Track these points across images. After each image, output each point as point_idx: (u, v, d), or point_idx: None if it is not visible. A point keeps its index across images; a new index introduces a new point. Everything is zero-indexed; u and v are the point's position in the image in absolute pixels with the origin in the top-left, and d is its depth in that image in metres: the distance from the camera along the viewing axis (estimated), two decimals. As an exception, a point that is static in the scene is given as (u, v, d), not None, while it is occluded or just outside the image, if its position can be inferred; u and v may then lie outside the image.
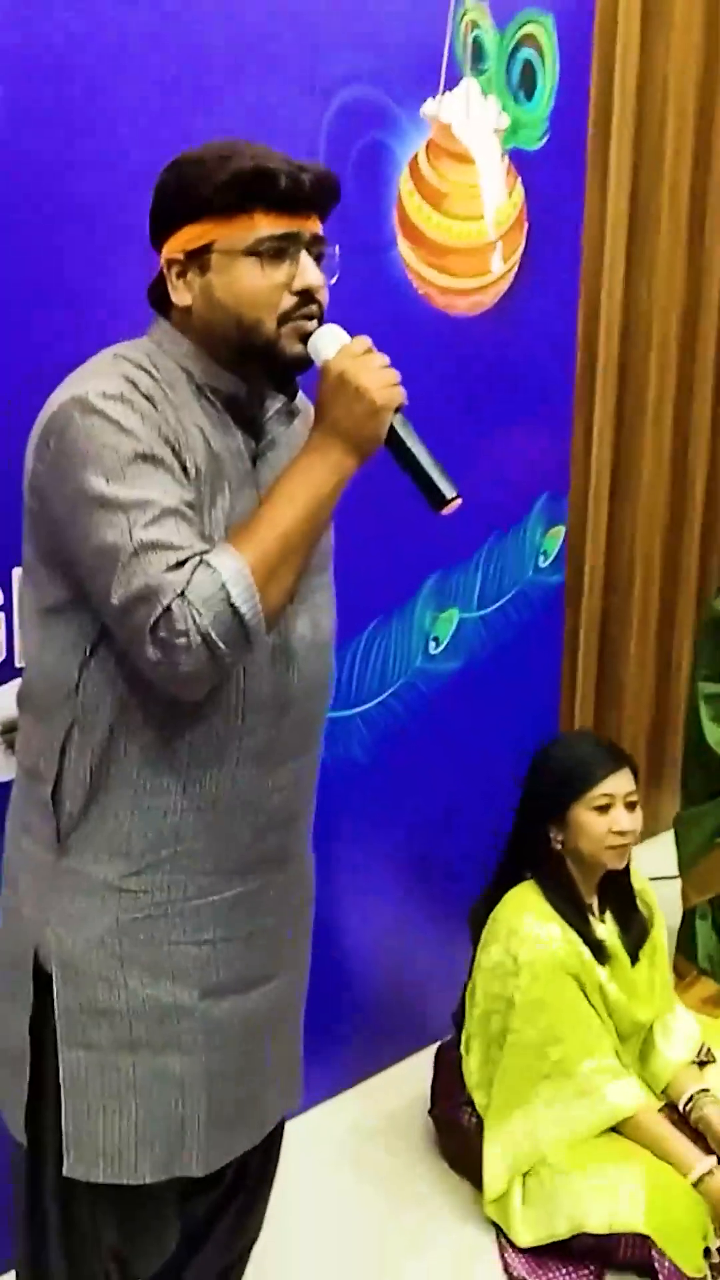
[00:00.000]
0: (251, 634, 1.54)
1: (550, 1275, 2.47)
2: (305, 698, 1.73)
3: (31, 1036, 1.73)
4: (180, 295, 1.63)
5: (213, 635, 1.50)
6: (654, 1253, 2.40)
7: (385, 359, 1.61)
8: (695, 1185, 2.50)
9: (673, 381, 4.04)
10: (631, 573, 4.05)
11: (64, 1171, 1.71)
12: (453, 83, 2.62)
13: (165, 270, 1.64)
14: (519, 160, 2.82)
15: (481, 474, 2.87)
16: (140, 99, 2.12)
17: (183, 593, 1.49)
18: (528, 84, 2.80)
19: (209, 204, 1.58)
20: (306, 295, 1.61)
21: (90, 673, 1.63)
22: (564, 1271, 2.47)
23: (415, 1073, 2.97)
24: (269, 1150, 1.99)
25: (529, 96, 2.81)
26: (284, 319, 1.61)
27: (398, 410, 1.61)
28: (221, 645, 1.51)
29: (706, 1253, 2.46)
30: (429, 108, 2.59)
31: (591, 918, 2.71)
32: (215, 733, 1.66)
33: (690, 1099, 2.70)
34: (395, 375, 1.60)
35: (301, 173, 1.59)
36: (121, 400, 1.55)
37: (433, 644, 2.91)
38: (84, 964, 1.68)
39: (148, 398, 1.57)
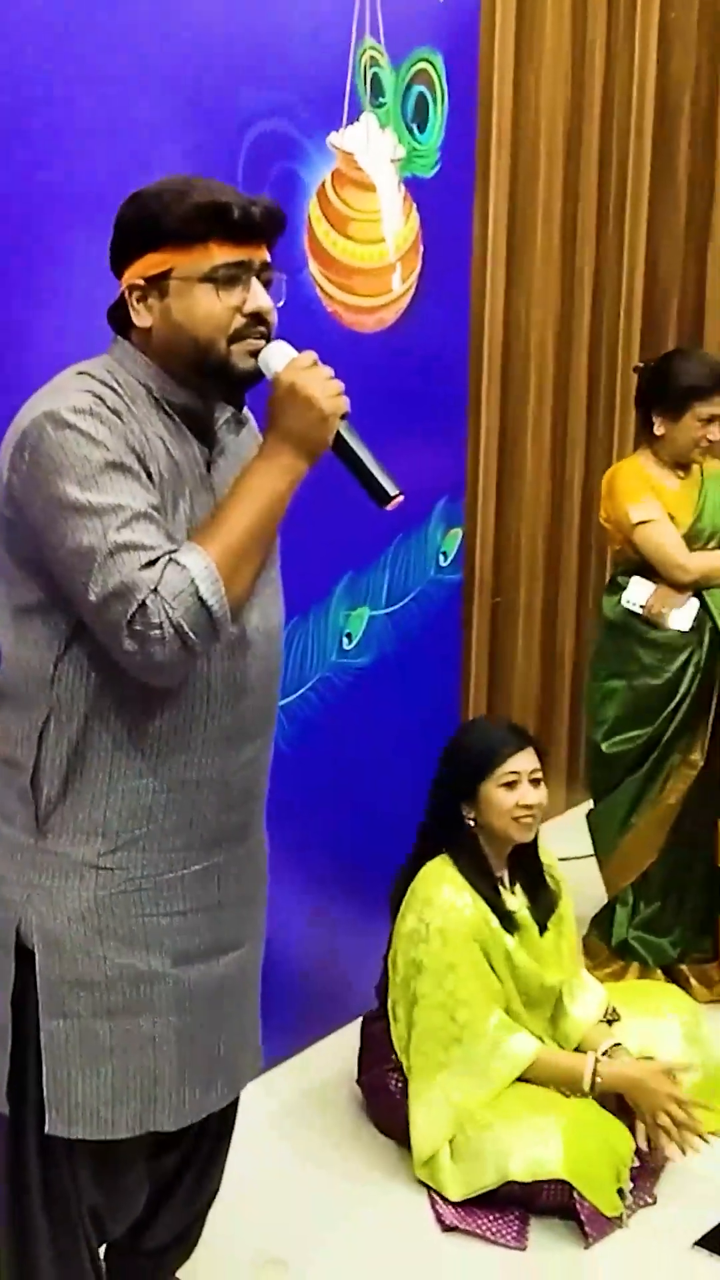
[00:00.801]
0: (218, 625, 1.67)
1: (479, 1223, 2.61)
2: (261, 682, 1.86)
3: (13, 1009, 1.83)
4: (141, 318, 1.75)
5: (184, 627, 1.63)
6: (575, 1195, 2.57)
7: (330, 371, 1.75)
8: (592, 1092, 2.70)
9: (550, 392, 4.24)
10: (517, 572, 4.24)
11: (45, 1129, 1.82)
12: (354, 116, 2.78)
13: (126, 295, 1.76)
14: (414, 187, 2.99)
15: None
16: (69, 134, 2.22)
17: (155, 589, 1.61)
18: (421, 117, 2.97)
19: (169, 234, 1.71)
20: (256, 317, 1.75)
21: (65, 666, 1.74)
22: (492, 1218, 2.62)
23: (342, 1046, 3.11)
24: (225, 1111, 2.09)
25: (422, 129, 2.98)
26: (235, 338, 1.74)
27: (343, 417, 1.75)
28: (192, 635, 1.64)
29: (621, 1194, 2.63)
30: (334, 139, 2.73)
31: (502, 889, 2.86)
32: (183, 718, 1.78)
33: (604, 1053, 2.86)
34: (339, 385, 1.75)
35: (252, 206, 1.73)
36: (90, 414, 1.67)
37: (346, 640, 3.06)
38: (65, 939, 1.79)
39: (114, 411, 1.70)
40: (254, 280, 1.75)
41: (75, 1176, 1.90)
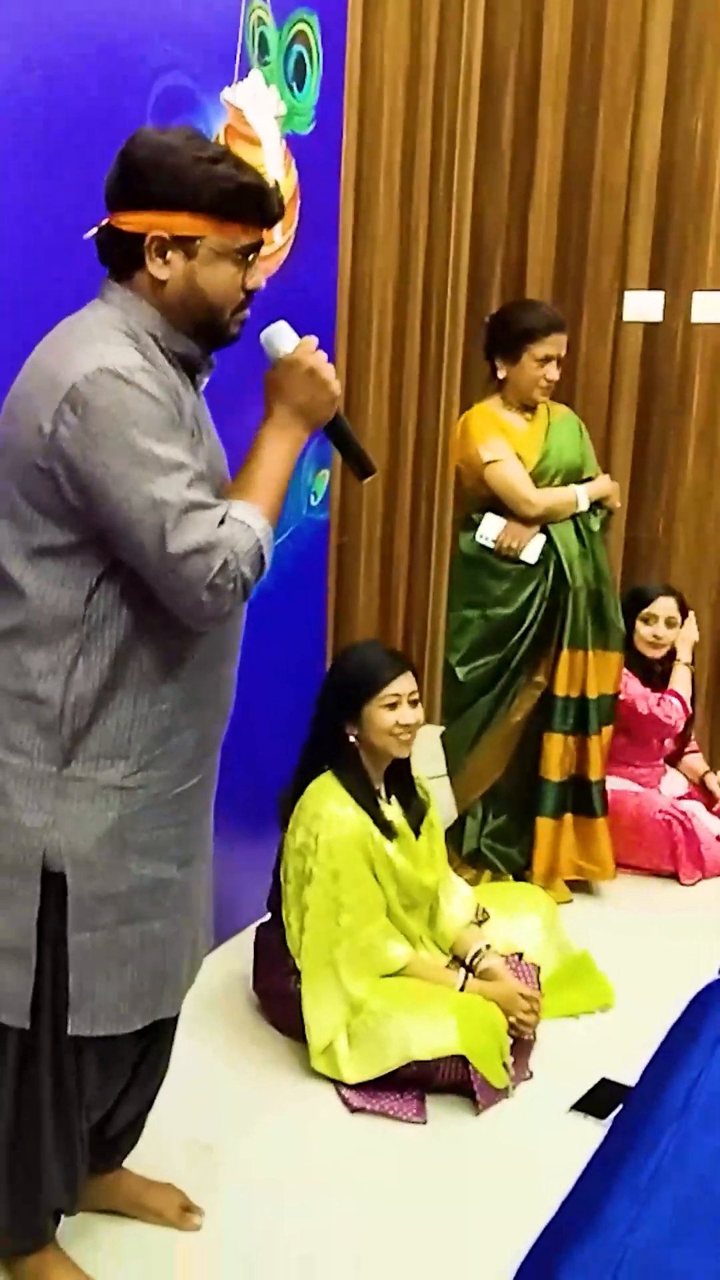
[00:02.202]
0: (264, 575, 1.80)
1: (383, 1103, 2.79)
2: (240, 606, 1.99)
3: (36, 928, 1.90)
4: (160, 269, 1.82)
5: (250, 579, 1.77)
6: (469, 1071, 2.77)
7: (325, 355, 1.90)
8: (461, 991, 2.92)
9: (389, 341, 4.40)
10: (359, 512, 4.40)
11: (70, 1031, 1.92)
12: (244, 73, 2.86)
13: (147, 242, 1.80)
14: (293, 143, 3.08)
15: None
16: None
17: (233, 548, 1.73)
18: (300, 76, 3.07)
19: (209, 205, 1.79)
20: (252, 294, 1.87)
21: (96, 604, 1.82)
22: (394, 1098, 2.80)
23: (234, 955, 3.24)
24: None
25: (300, 87, 3.08)
26: (236, 310, 1.87)
27: None
28: (253, 587, 1.79)
29: (505, 1068, 2.86)
30: (227, 94, 2.81)
31: (381, 801, 3.04)
32: (196, 644, 1.90)
33: (476, 953, 3.08)
34: (333, 370, 1.90)
35: (276, 195, 1.84)
36: (143, 371, 1.75)
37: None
38: (94, 857, 1.88)
39: (155, 367, 1.79)
40: (256, 260, 1.86)
41: (81, 1074, 2.02)
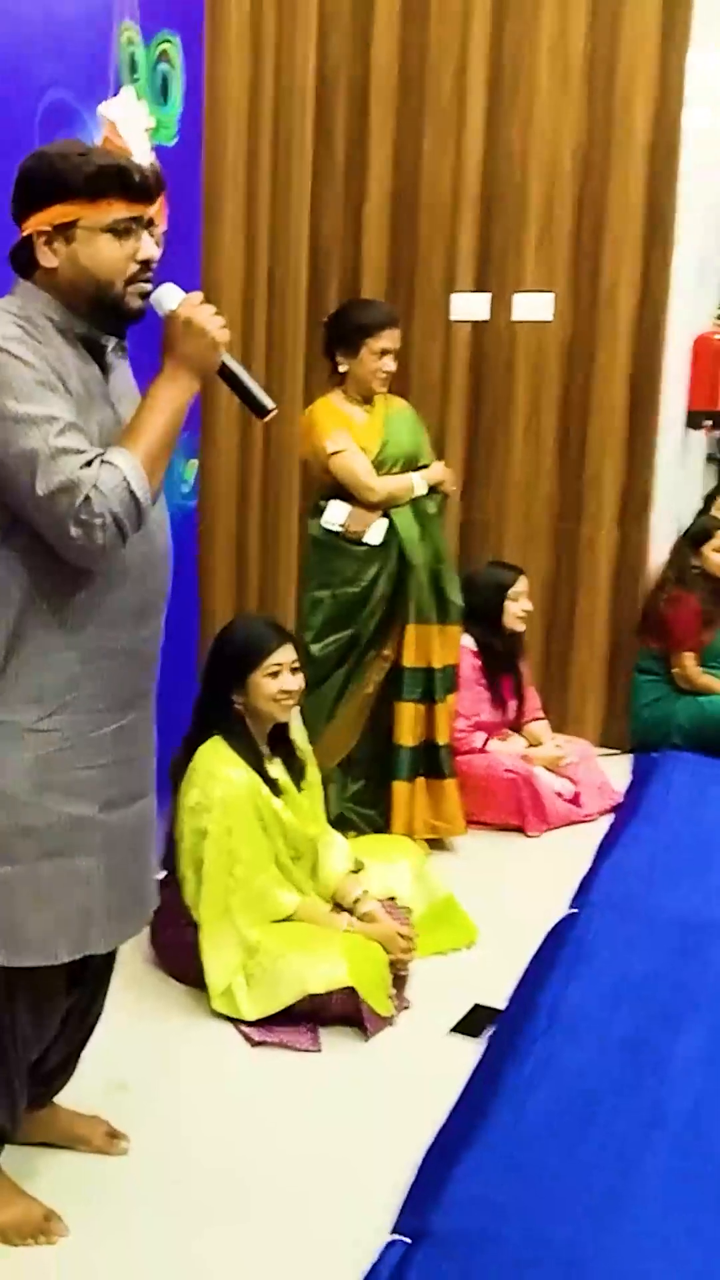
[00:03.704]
0: (143, 513, 1.96)
1: (280, 1035, 2.98)
2: (163, 563, 2.16)
3: None
4: (47, 259, 2.00)
5: (120, 515, 1.92)
6: (357, 1002, 2.98)
7: (213, 308, 2.05)
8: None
9: (238, 343, 4.56)
10: (216, 500, 4.56)
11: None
12: (117, 89, 3.01)
13: (35, 238, 1.99)
14: (159, 155, 3.24)
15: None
16: None
17: (95, 485, 1.88)
18: (164, 92, 3.23)
19: (75, 190, 1.97)
20: (145, 264, 2.04)
21: None
22: (289, 1030, 2.99)
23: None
24: (111, 953, 2.38)
25: (165, 102, 3.25)
26: (129, 281, 2.03)
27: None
28: (126, 522, 1.93)
29: (389, 998, 3.08)
30: (102, 109, 2.96)
31: (266, 761, 3.23)
32: (104, 597, 2.05)
33: (356, 899, 3.28)
34: (222, 319, 2.06)
35: (143, 170, 2.00)
36: (19, 342, 1.93)
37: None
38: (11, 793, 2.03)
39: (36, 340, 1.94)
40: (145, 233, 2.02)
41: (13, 1008, 2.15)
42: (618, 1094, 2.74)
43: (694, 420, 5.16)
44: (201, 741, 3.18)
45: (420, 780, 4.06)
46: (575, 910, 3.62)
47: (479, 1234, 2.27)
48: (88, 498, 1.88)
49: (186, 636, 3.70)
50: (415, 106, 4.93)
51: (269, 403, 2.11)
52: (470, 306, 5.01)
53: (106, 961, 2.38)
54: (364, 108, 4.98)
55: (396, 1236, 2.27)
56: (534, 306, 4.96)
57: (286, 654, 3.19)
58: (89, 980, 2.35)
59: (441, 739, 4.03)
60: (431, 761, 4.05)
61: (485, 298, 4.99)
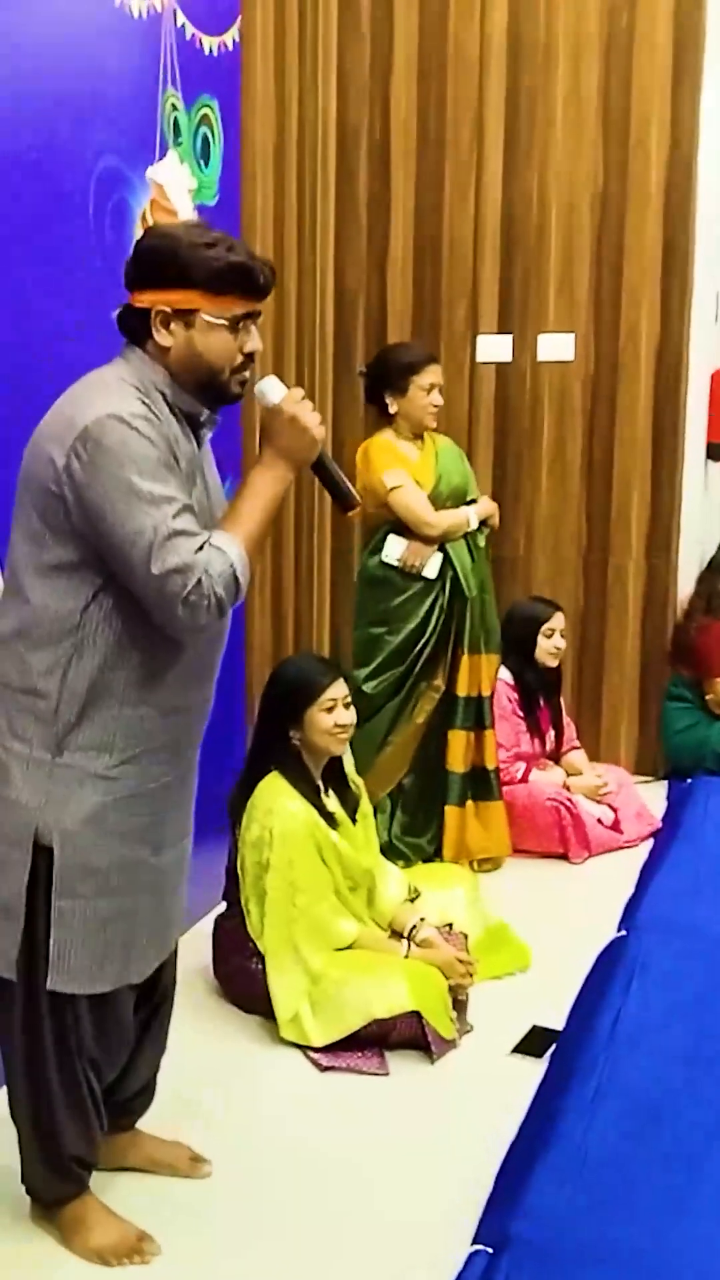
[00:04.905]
0: (241, 596, 2.07)
1: (348, 1060, 3.04)
2: (222, 632, 2.26)
3: (26, 894, 2.15)
4: (164, 338, 2.11)
5: (225, 599, 2.04)
6: (421, 1026, 3.05)
7: (312, 405, 2.17)
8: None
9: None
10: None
11: (48, 986, 2.17)
12: (163, 153, 3.13)
13: (152, 315, 2.09)
14: (202, 214, 3.36)
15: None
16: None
17: (206, 570, 2.00)
18: (206, 154, 3.36)
19: (200, 282, 2.07)
20: (250, 356, 2.14)
21: (89, 614, 2.09)
22: (358, 1055, 3.05)
23: (186, 949, 3.43)
24: (173, 975, 2.51)
25: (206, 164, 3.37)
26: (235, 370, 2.14)
27: None
28: (228, 605, 2.05)
29: (451, 1020, 3.14)
30: (150, 172, 3.08)
31: (322, 795, 3.31)
32: (177, 659, 2.16)
33: (414, 926, 3.35)
34: (320, 417, 2.18)
35: (265, 269, 2.12)
36: (145, 419, 2.03)
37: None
38: (79, 835, 2.14)
39: (157, 417, 2.05)
40: (253, 326, 2.13)
41: (79, 1030, 2.24)
42: (680, 1105, 2.80)
43: (714, 452, 5.25)
44: (260, 777, 3.26)
45: (470, 804, 4.14)
46: (624, 932, 3.68)
47: (558, 1238, 2.33)
48: (199, 581, 2.00)
49: (234, 673, 3.78)
50: (434, 158, 5.06)
51: (355, 498, 2.25)
52: (494, 348, 5.12)
53: (170, 981, 2.48)
54: (385, 161, 5.10)
55: (479, 1247, 2.33)
56: (556, 346, 5.07)
57: (340, 689, 3.27)
58: (156, 1000, 2.44)
59: (490, 763, 4.13)
60: (481, 785, 4.14)
61: (508, 339, 5.10)
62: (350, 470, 4.18)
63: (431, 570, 3.97)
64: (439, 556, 3.98)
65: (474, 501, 4.11)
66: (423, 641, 4.00)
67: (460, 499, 4.06)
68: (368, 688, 4.02)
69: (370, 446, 4.06)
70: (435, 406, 3.99)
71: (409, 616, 3.99)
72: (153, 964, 2.35)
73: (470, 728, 4.07)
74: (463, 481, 4.09)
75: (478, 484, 4.44)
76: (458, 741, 4.06)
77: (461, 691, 4.04)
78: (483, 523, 4.09)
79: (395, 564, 3.97)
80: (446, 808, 4.10)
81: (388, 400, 4.00)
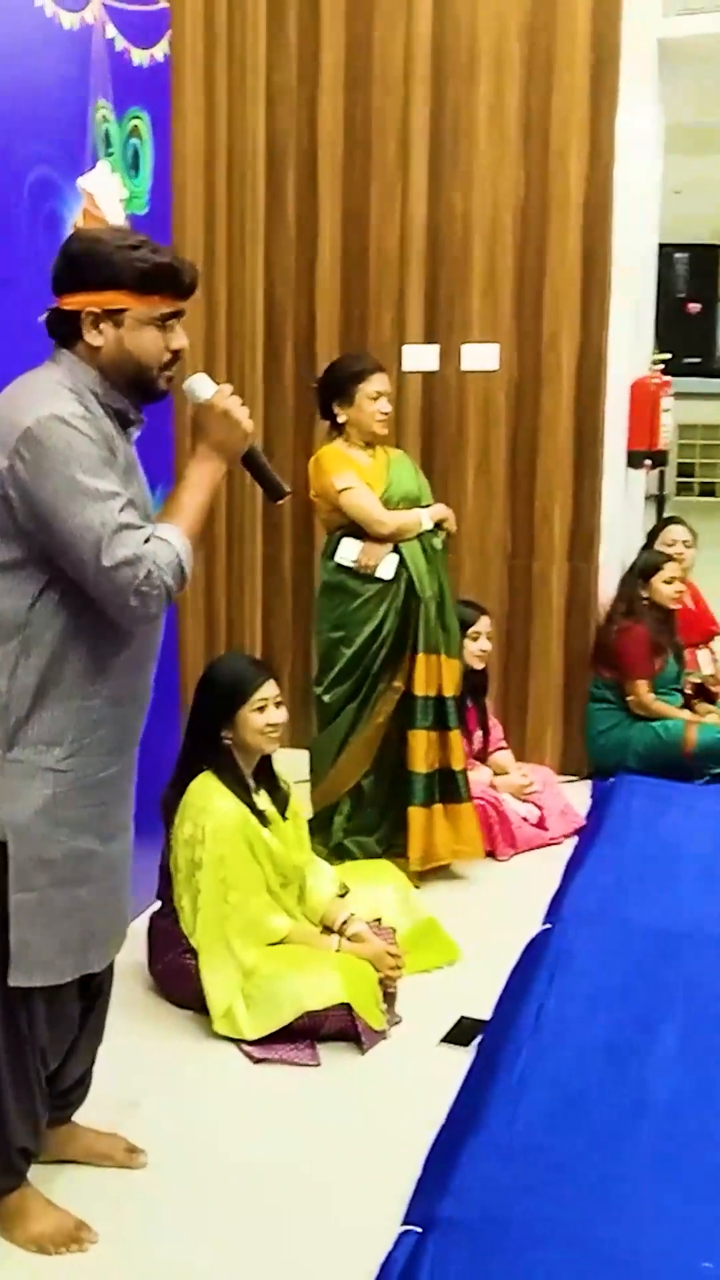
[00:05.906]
0: (186, 584, 2.14)
1: (280, 1052, 3.09)
2: (161, 616, 2.30)
3: None
4: (94, 338, 2.16)
5: (172, 586, 2.10)
6: (352, 1018, 3.10)
7: (240, 399, 2.24)
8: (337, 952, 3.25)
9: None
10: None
11: (9, 982, 2.20)
12: (94, 163, 3.17)
13: (82, 317, 2.14)
14: (133, 224, 3.40)
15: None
16: None
17: (154, 560, 2.05)
18: (136, 164, 3.40)
19: (129, 283, 2.13)
20: (177, 353, 2.21)
21: (35, 611, 2.13)
22: (289, 1048, 3.10)
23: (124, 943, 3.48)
24: (110, 967, 2.53)
25: (137, 174, 3.41)
26: (163, 368, 2.21)
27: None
28: (175, 592, 2.11)
29: (381, 1012, 3.21)
30: (81, 182, 3.12)
31: (253, 793, 3.36)
32: (126, 648, 2.21)
33: (344, 921, 3.40)
34: (248, 410, 2.25)
35: (190, 269, 2.19)
36: (84, 419, 2.09)
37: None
38: (31, 828, 2.18)
39: (93, 415, 2.11)
40: (178, 324, 2.20)
41: (31, 1020, 2.27)
42: (603, 1089, 2.89)
43: (634, 460, 5.36)
44: (192, 777, 3.30)
45: (438, 806, 4.17)
46: (549, 925, 3.77)
47: (486, 1218, 2.40)
48: (149, 572, 2.05)
49: (168, 674, 3.82)
50: (361, 169, 5.14)
51: (286, 486, 2.32)
52: (420, 358, 5.21)
53: (108, 973, 2.51)
54: (313, 172, 5.18)
55: (408, 1227, 2.40)
56: (481, 356, 5.16)
57: (271, 689, 3.32)
58: (93, 991, 2.48)
59: (457, 765, 4.17)
60: (449, 787, 4.17)
61: (434, 349, 5.19)
62: (301, 480, 4.25)
63: (386, 571, 4.02)
64: (394, 558, 4.04)
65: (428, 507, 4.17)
66: (378, 643, 4.05)
67: (414, 506, 4.13)
68: (328, 696, 4.08)
69: (322, 455, 4.13)
70: (383, 414, 4.06)
71: (366, 620, 4.04)
72: (111, 953, 2.40)
73: (430, 727, 4.10)
74: (415, 489, 4.16)
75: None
76: (418, 742, 4.09)
77: (420, 691, 4.07)
78: (439, 525, 4.15)
79: (350, 565, 4.03)
80: (411, 809, 4.11)
81: (336, 410, 4.07)
